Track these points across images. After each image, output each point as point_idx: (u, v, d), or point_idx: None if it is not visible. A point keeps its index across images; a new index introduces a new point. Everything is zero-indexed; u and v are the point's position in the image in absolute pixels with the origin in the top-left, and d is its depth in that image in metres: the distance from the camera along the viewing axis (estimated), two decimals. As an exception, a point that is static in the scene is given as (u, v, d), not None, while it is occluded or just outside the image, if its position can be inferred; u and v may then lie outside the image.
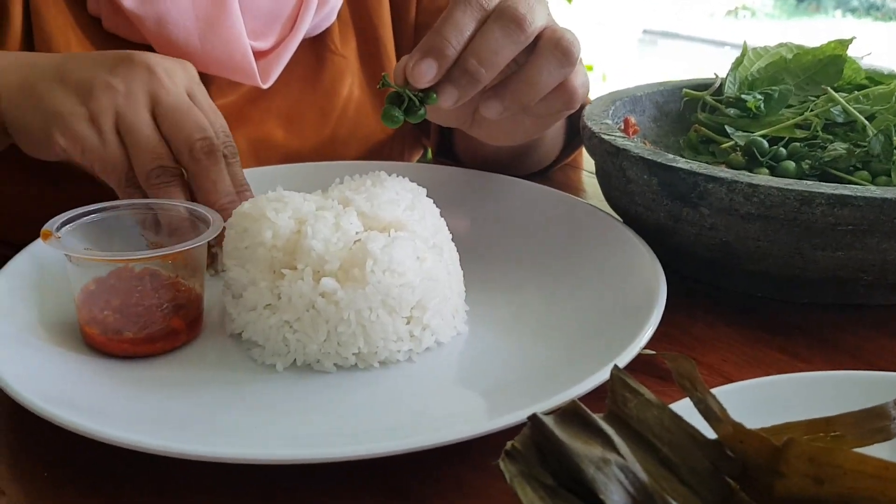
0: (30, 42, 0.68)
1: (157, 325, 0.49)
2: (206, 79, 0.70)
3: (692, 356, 0.51)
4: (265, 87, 0.73)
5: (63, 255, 0.49)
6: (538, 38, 0.53)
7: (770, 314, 0.56)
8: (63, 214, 0.51)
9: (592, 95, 0.70)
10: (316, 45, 0.79)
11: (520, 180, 0.68)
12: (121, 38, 0.70)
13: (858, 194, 0.50)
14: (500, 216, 0.65)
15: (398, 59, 0.80)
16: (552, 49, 0.53)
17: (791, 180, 0.52)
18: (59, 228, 0.50)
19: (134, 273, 0.51)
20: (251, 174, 0.60)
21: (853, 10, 9.93)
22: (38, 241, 0.52)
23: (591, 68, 6.60)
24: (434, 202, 0.54)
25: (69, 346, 0.49)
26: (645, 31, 9.71)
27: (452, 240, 0.55)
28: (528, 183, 0.68)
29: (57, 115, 0.55)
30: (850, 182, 0.60)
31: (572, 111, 0.58)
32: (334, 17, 0.79)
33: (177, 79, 0.58)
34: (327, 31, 0.79)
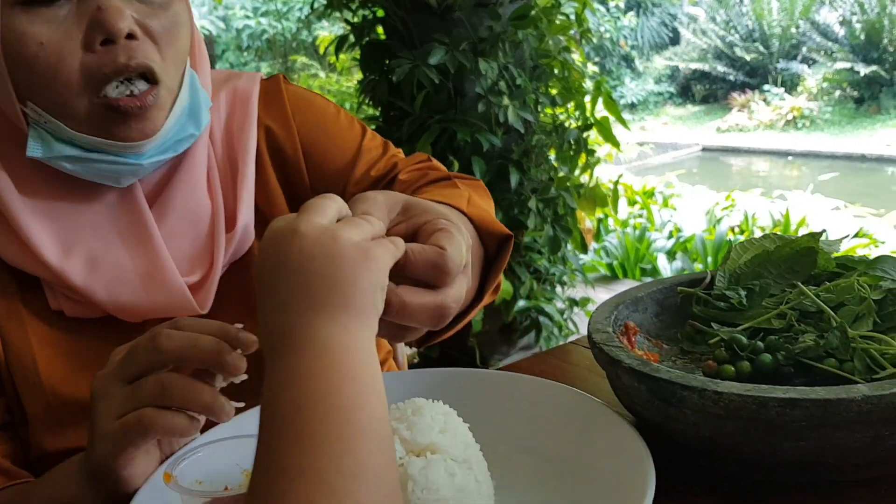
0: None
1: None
2: (142, 326, 0.76)
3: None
4: (204, 312, 0.81)
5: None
6: None
7: (756, 500, 0.66)
8: (176, 456, 0.66)
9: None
10: (242, 267, 0.86)
11: (535, 378, 0.78)
12: (85, 319, 0.80)
13: (805, 396, 0.61)
14: (516, 415, 0.75)
15: None
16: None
17: (749, 385, 0.63)
18: (175, 466, 0.65)
19: (230, 498, 0.65)
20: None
21: (915, 109, 9.94)
22: (159, 475, 0.66)
23: (652, 192, 6.66)
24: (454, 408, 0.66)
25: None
26: (704, 149, 9.90)
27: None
28: (540, 380, 0.78)
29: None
30: (821, 369, 0.71)
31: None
32: (252, 238, 0.86)
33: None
34: (251, 249, 0.86)
